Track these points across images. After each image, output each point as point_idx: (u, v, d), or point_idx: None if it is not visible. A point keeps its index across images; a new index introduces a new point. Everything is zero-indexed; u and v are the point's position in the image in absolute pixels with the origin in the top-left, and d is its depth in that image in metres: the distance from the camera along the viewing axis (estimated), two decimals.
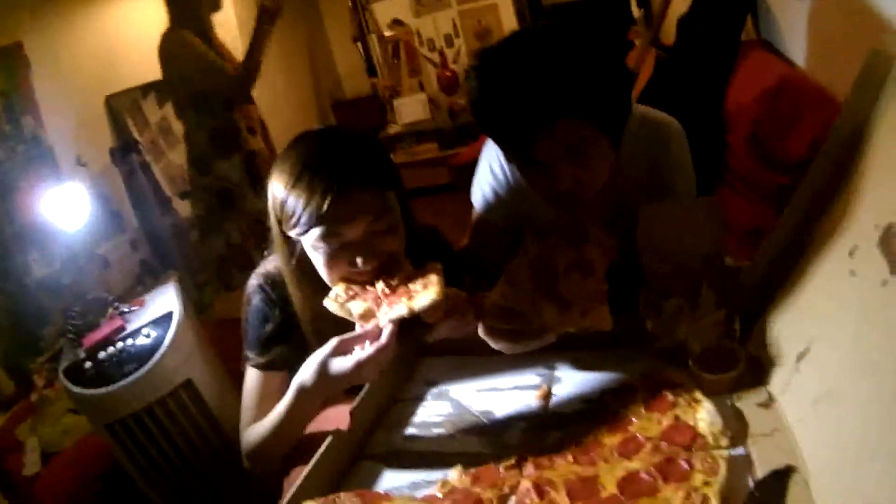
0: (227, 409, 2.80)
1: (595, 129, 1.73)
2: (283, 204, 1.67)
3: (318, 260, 1.71)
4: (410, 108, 8.35)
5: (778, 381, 1.52)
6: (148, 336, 2.82)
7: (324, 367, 1.58)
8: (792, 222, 1.66)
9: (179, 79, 4.57)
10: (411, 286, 1.64)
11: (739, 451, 1.41)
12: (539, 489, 1.38)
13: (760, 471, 1.33)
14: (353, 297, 1.65)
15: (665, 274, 1.80)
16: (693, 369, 1.60)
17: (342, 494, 1.38)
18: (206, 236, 4.93)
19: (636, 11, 5.80)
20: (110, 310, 3.10)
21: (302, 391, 1.64)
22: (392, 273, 1.69)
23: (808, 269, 1.55)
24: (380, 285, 1.65)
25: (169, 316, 2.89)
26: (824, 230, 1.53)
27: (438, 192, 6.56)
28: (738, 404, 1.53)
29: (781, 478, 1.29)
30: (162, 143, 5.91)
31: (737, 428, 1.46)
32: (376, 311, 1.61)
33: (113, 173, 5.45)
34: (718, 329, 1.66)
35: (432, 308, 1.59)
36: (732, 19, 3.38)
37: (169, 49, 4.42)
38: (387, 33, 8.52)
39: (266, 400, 1.82)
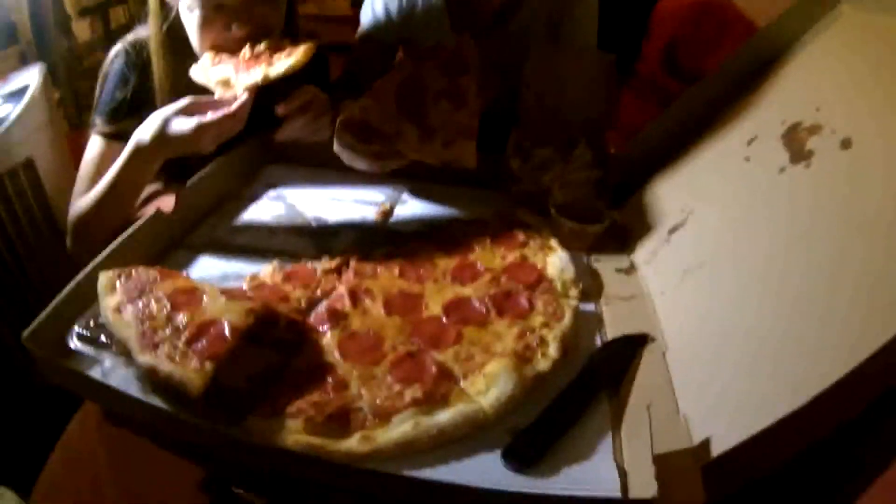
0: (64, 200, 2.56)
1: None
2: None
3: (191, 22, 1.57)
4: None
5: (645, 251, 1.38)
6: None
7: (165, 123, 1.43)
8: (689, 105, 1.55)
9: None
10: (276, 55, 1.48)
11: (590, 307, 1.24)
12: (354, 296, 1.20)
13: (611, 332, 1.17)
14: (217, 64, 1.52)
15: (543, 120, 1.64)
16: (553, 215, 1.41)
17: (140, 267, 1.17)
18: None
19: None
20: None
21: (138, 147, 1.47)
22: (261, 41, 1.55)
23: (700, 149, 1.45)
24: (245, 50, 1.52)
25: (24, 90, 2.59)
26: (725, 118, 1.44)
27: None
28: (595, 265, 1.37)
29: (634, 343, 1.12)
30: None
31: (590, 284, 1.30)
32: (235, 78, 1.47)
33: None
34: (587, 187, 1.50)
35: (289, 72, 1.44)
36: None
37: None
38: None
39: (103, 172, 1.60)
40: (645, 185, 1.53)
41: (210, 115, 1.40)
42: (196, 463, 1.05)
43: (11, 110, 2.50)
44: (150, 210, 1.45)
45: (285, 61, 1.44)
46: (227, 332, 1.01)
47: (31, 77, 2.71)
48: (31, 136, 2.54)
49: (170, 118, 1.43)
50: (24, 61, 4.76)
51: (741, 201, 1.22)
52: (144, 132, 1.46)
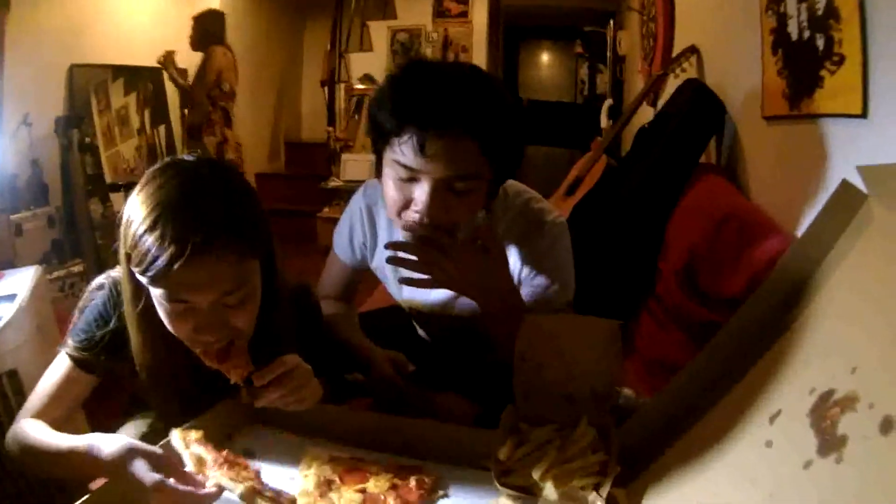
0: None
1: (482, 164, 1.63)
2: (136, 242, 1.36)
3: (161, 312, 1.44)
4: (356, 167, 7.83)
5: None
6: None
7: (129, 457, 1.30)
8: (709, 365, 1.33)
9: None
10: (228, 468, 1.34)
11: None
12: None
13: None
14: (198, 443, 1.39)
15: (543, 396, 1.48)
16: None
17: None
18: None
19: (605, 121, 5.62)
20: None
21: (94, 455, 1.35)
22: (228, 355, 1.46)
23: (717, 427, 1.22)
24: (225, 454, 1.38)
25: (12, 297, 2.58)
26: (746, 384, 1.22)
27: None
28: None
29: None
30: (117, 132, 5.70)
31: None
32: (210, 465, 1.34)
33: (54, 143, 5.12)
34: (587, 477, 1.29)
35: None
36: (693, 139, 3.11)
37: None
38: (356, 86, 8.26)
39: (62, 396, 1.57)
40: (653, 465, 1.31)
41: (170, 482, 1.26)
42: None
43: None
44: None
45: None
46: None
47: (24, 281, 2.71)
48: (16, 347, 2.49)
49: (135, 456, 1.29)
50: (51, 223, 4.80)
51: None
52: (106, 446, 1.33)
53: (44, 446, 1.47)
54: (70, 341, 1.61)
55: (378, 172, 1.76)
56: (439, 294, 1.97)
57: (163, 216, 1.33)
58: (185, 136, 6.30)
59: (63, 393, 1.58)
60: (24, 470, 1.62)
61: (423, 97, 1.58)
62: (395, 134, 1.59)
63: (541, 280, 1.88)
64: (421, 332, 2.27)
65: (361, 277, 2.26)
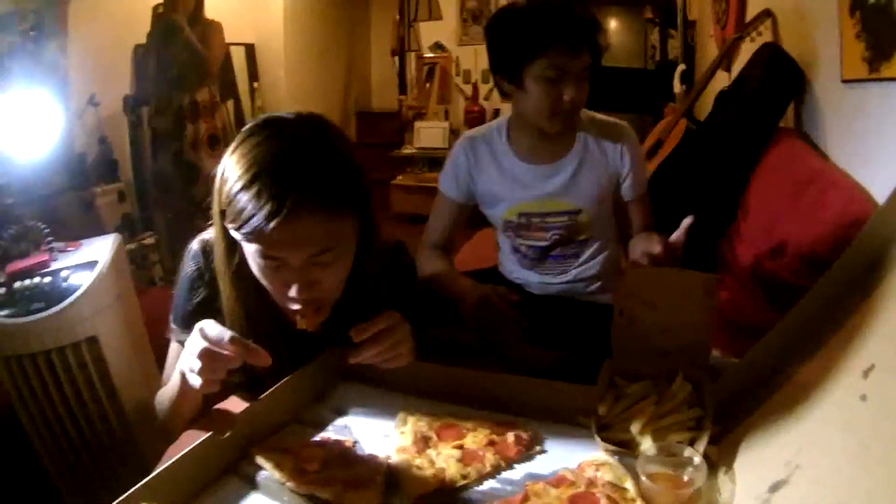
0: (130, 378, 2.56)
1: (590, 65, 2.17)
2: (231, 199, 1.40)
3: (253, 267, 1.50)
4: (430, 134, 8.01)
5: None
6: (66, 279, 2.55)
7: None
8: (799, 323, 1.34)
9: None
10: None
11: None
12: None
13: None
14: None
15: (638, 349, 1.50)
16: (640, 476, 1.21)
17: None
18: None
19: (678, 87, 5.58)
20: (42, 244, 2.82)
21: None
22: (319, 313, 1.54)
23: (809, 382, 1.22)
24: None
25: (93, 265, 2.61)
26: (837, 340, 1.22)
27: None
28: None
29: None
30: None
31: None
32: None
33: (123, 121, 5.28)
34: (683, 432, 1.33)
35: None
36: (772, 103, 3.12)
37: None
38: (426, 54, 8.28)
39: None
40: (748, 421, 1.32)
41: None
42: None
43: (79, 285, 2.53)
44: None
45: None
46: None
47: (104, 249, 2.75)
48: (96, 314, 2.54)
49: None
50: (122, 197, 4.91)
51: (857, 457, 1.00)
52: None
53: (163, 400, 1.62)
54: (173, 326, 1.71)
55: (514, 92, 2.25)
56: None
57: (260, 174, 1.36)
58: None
59: None
60: (160, 432, 1.65)
61: (563, 17, 2.10)
62: (544, 50, 2.10)
63: (641, 178, 2.40)
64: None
65: (465, 217, 2.59)
